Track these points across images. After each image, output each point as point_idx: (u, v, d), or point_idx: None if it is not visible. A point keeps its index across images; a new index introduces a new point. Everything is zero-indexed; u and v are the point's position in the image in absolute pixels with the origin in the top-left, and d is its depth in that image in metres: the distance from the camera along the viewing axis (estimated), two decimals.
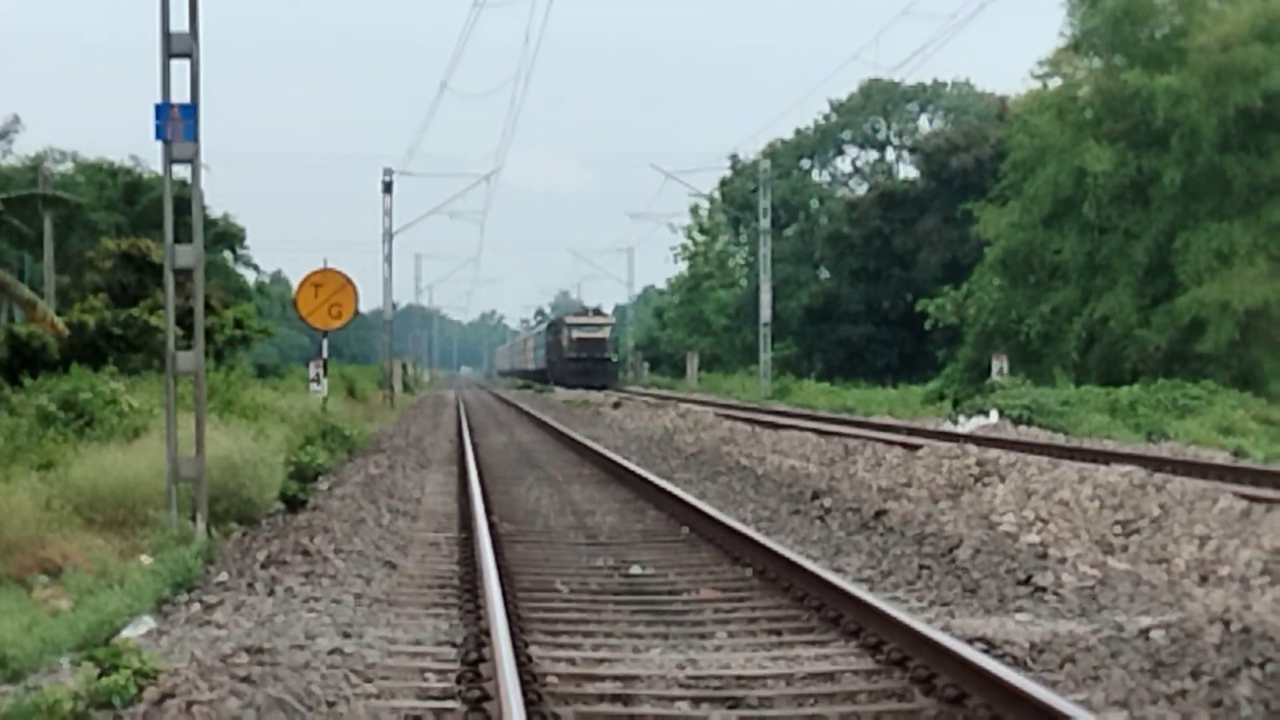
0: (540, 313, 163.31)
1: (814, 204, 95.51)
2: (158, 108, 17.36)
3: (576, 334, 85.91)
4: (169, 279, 18.42)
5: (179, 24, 17.59)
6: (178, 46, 17.55)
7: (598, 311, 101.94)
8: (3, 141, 51.41)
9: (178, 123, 17.51)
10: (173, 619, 12.84)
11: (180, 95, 17.44)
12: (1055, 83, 58.99)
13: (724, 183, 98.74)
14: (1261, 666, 9.53)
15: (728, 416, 44.24)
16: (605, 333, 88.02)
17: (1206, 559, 15.10)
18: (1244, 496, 17.62)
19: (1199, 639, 10.54)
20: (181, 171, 18.77)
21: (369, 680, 10.10)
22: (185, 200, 19.67)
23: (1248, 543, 15.14)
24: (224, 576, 15.10)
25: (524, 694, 8.90)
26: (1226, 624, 10.75)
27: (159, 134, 17.43)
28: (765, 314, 72.17)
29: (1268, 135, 51.36)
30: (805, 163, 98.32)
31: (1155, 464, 23.22)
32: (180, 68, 17.47)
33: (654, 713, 9.59)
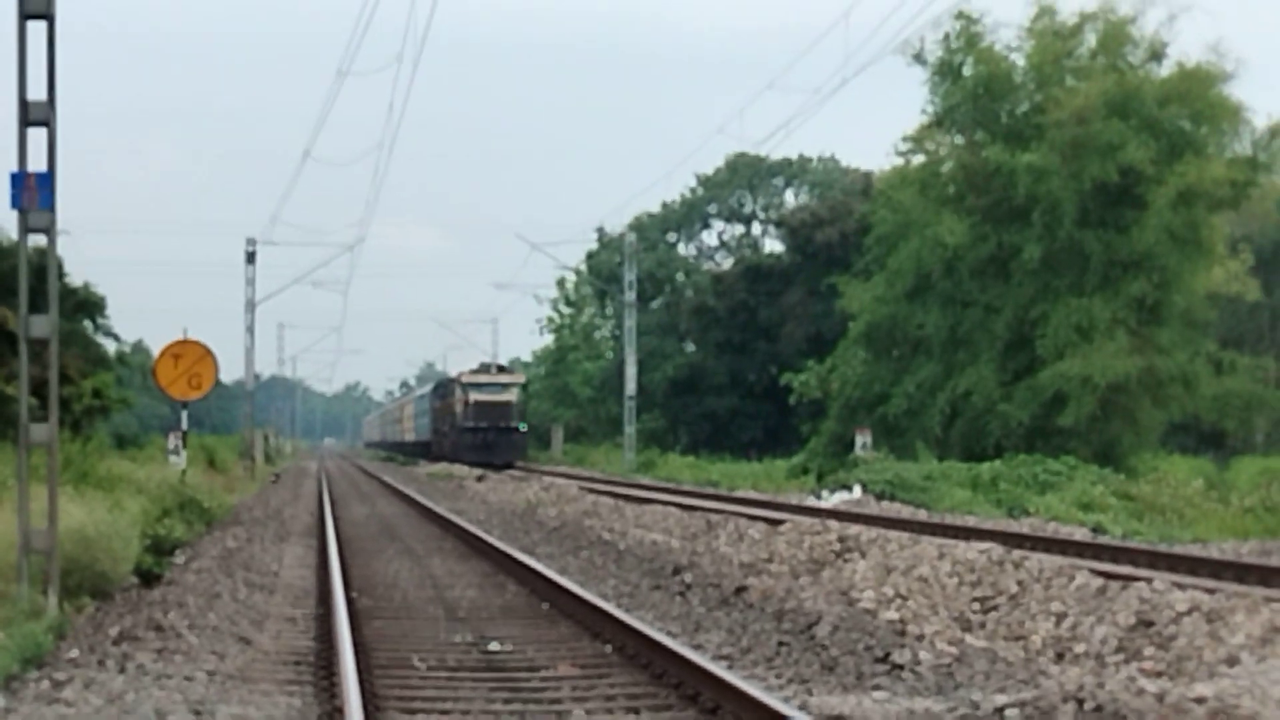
0: (405, 384, 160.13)
1: (680, 277, 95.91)
2: (13, 176, 17.08)
3: (476, 397, 69.34)
4: (23, 349, 18.04)
5: (36, 92, 17.34)
6: (35, 114, 17.29)
7: (502, 369, 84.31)
8: None
9: (34, 192, 17.17)
10: (21, 696, 12.49)
11: (37, 163, 17.16)
12: (919, 158, 59.04)
13: (590, 255, 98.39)
14: None
15: (592, 490, 44.11)
16: (513, 394, 71.38)
17: (1063, 636, 15.32)
18: (1100, 573, 17.82)
19: (1053, 718, 10.66)
20: (38, 240, 18.56)
21: None
22: (42, 269, 19.29)
23: (1103, 619, 15.32)
24: (75, 653, 14.70)
25: None
26: (1080, 702, 10.81)
27: (15, 203, 17.11)
28: (630, 387, 73.33)
29: (1124, 210, 51.94)
30: (671, 236, 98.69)
31: (1015, 540, 23.61)
32: (37, 135, 17.23)
33: None
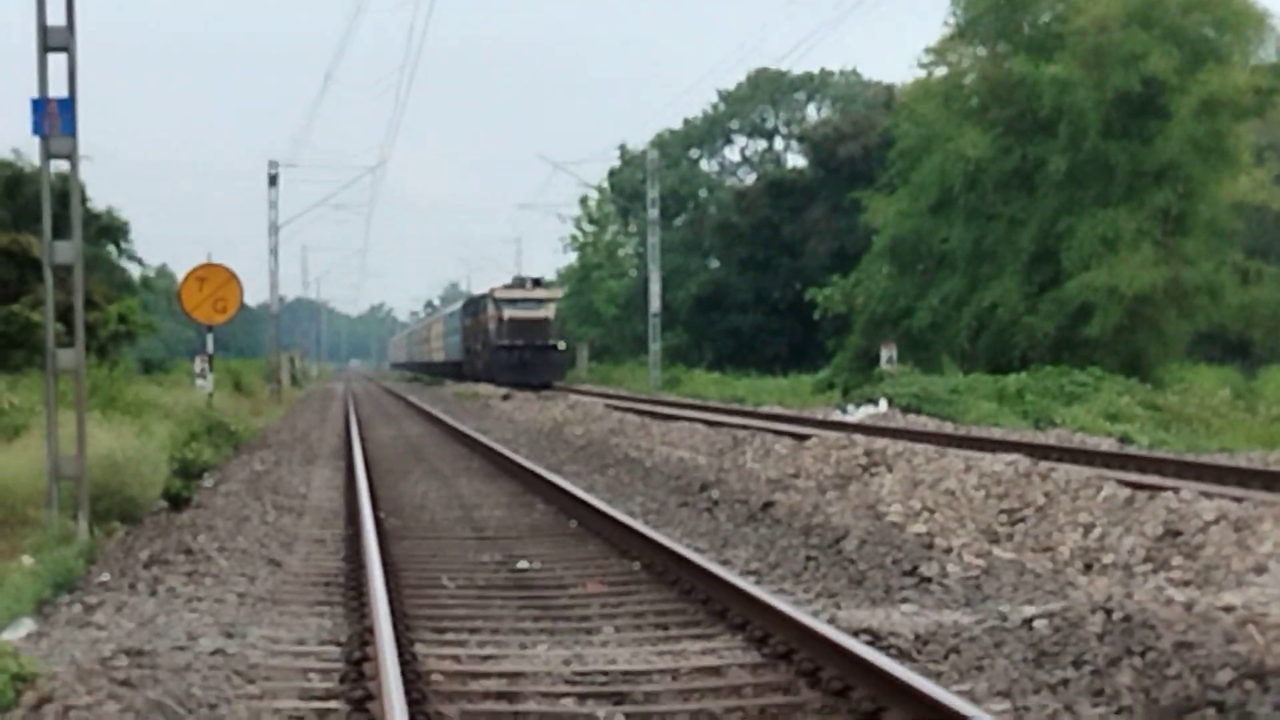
0: (430, 304, 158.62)
1: (703, 194, 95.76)
2: (34, 102, 17.30)
3: (510, 314, 62.64)
4: (48, 275, 18.37)
5: (56, 18, 17.49)
6: (54, 40, 17.43)
7: (538, 283, 75.05)
8: None
9: (55, 117, 17.43)
10: (53, 620, 12.74)
11: (58, 90, 17.37)
12: (941, 71, 59.52)
13: (613, 173, 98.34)
14: (1142, 655, 9.69)
15: (617, 408, 44.24)
16: (549, 311, 64.47)
17: (1090, 547, 15.42)
18: (1128, 484, 17.88)
19: (1081, 628, 10.65)
20: (61, 166, 18.83)
21: (251, 681, 9.98)
22: (65, 195, 19.36)
23: (1131, 530, 15.45)
24: (105, 577, 14.99)
25: (407, 693, 8.83)
26: (1109, 613, 10.81)
27: (36, 129, 17.37)
28: (655, 304, 72.83)
29: (1148, 121, 51.82)
30: (694, 152, 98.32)
31: (1041, 452, 23.58)
32: (58, 62, 17.38)
33: (539, 710, 9.52)
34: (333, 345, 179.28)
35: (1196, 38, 52.09)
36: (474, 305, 78.02)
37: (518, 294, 66.24)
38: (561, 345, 67.84)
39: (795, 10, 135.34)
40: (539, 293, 66.61)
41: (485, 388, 65.36)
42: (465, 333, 79.71)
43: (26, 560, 15.57)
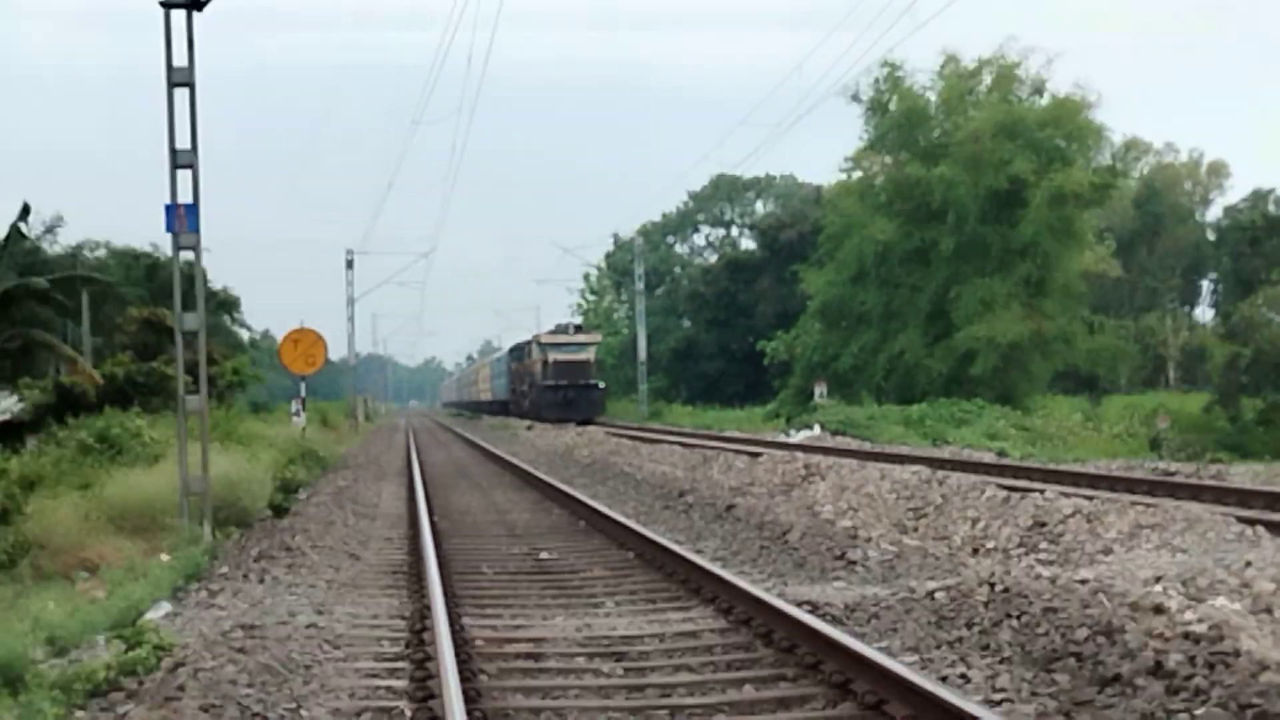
0: (470, 357, 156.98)
1: (677, 270, 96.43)
2: (167, 208, 17.66)
3: (555, 357, 56.16)
4: (179, 339, 18.77)
5: (183, 142, 17.82)
6: (182, 160, 17.80)
7: (579, 328, 69.38)
8: (49, 235, 51.76)
9: (183, 219, 17.84)
10: (185, 603, 12.85)
11: (185, 197, 17.78)
12: (857, 174, 60.56)
13: (608, 255, 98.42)
14: (1018, 618, 9.79)
15: (614, 435, 44.10)
16: (590, 354, 57.92)
17: (977, 535, 15.47)
18: (1004, 487, 18.03)
19: (971, 598, 10.78)
20: (188, 255, 19.09)
21: (337, 648, 10.14)
22: (191, 278, 19.87)
23: (1008, 522, 15.59)
24: (225, 569, 15.18)
25: (457, 654, 8.91)
26: (992, 586, 10.96)
27: (168, 227, 17.76)
28: (641, 355, 72.78)
29: (1013, 210, 53.34)
30: (670, 239, 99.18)
31: (938, 464, 23.70)
32: (185, 175, 17.78)
33: (559, 666, 9.58)
34: (396, 389, 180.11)
35: (1049, 146, 53.28)
36: (519, 351, 70.70)
37: (561, 339, 59.47)
38: (601, 384, 60.51)
39: (746, 128, 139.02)
40: (580, 337, 59.81)
41: (514, 421, 64.41)
42: (511, 375, 72.82)
43: (164, 557, 15.74)
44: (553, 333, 63.05)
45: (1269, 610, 9.52)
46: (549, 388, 56.41)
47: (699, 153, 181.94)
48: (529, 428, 56.80)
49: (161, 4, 18.21)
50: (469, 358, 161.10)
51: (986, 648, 9.39)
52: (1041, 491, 17.42)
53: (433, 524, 17.75)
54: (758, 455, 27.25)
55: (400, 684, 9.07)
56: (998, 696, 8.25)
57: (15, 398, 36.14)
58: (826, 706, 8.26)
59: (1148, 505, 15.56)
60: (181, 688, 8.43)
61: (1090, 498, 16.50)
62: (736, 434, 43.99)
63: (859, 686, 8.20)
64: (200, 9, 18.05)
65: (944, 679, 8.57)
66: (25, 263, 41.15)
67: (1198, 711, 7.39)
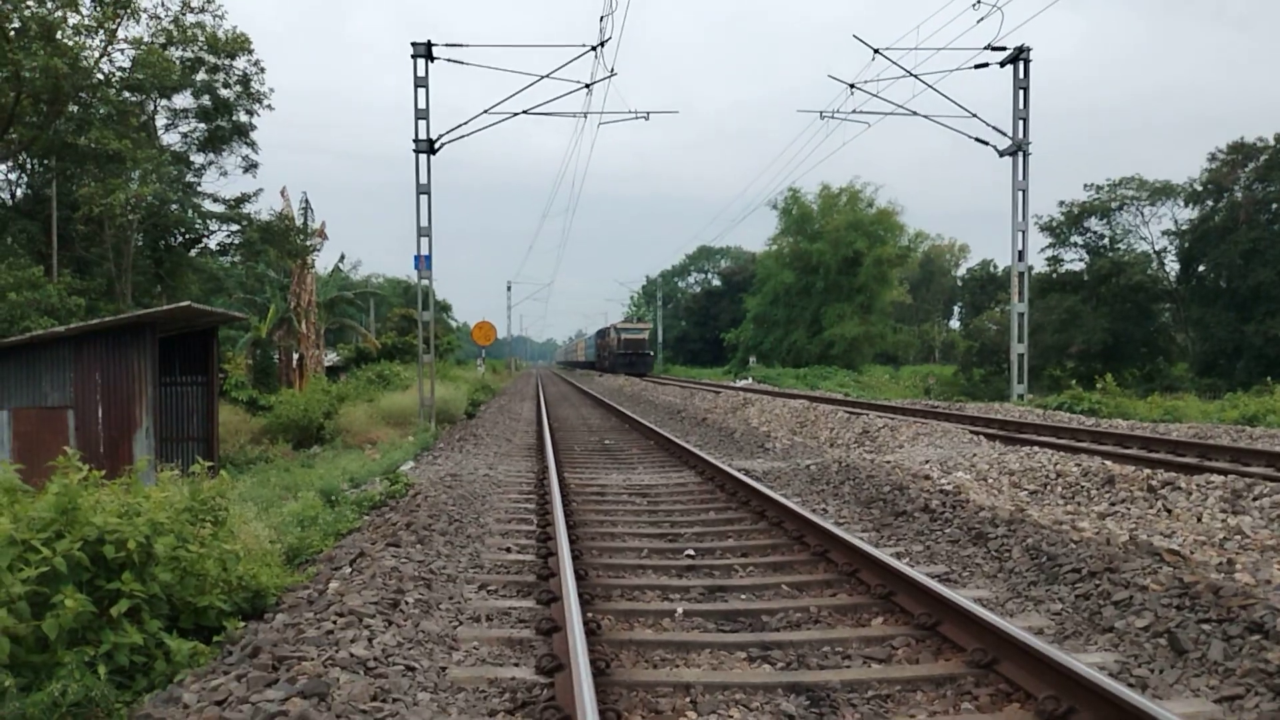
0: (568, 339, 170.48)
1: (679, 296, 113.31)
2: (415, 257, 21.43)
3: (625, 336, 65.62)
4: (420, 326, 22.67)
5: (424, 221, 21.45)
6: (423, 231, 21.58)
7: (640, 319, 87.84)
8: (353, 269, 69.92)
9: (423, 262, 21.65)
10: (421, 460, 14.65)
11: (425, 249, 21.89)
12: (774, 247, 71.71)
13: (643, 287, 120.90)
14: (853, 480, 11.28)
15: (642, 381, 49.24)
16: (645, 334, 66.62)
17: (833, 437, 17.05)
18: (847, 411, 19.79)
19: (830, 469, 12.34)
20: (425, 282, 22.40)
21: (499, 487, 11.64)
22: (426, 293, 22.44)
23: (849, 430, 17.19)
24: (441, 445, 17.34)
25: (559, 484, 10.72)
26: (840, 463, 12.54)
27: (416, 266, 21.56)
28: (659, 338, 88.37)
29: (855, 268, 63.78)
30: (676, 280, 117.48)
31: (813, 399, 25.80)
32: (425, 240, 21.79)
33: (613, 496, 11.06)
34: (530, 355, 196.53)
35: (875, 234, 64.04)
36: (602, 333, 79.65)
37: (628, 325, 68.59)
38: (651, 353, 68.22)
39: (716, 222, 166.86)
40: (639, 324, 68.73)
41: (594, 374, 74.12)
42: (597, 347, 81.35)
43: (410, 439, 18.02)
44: (624, 322, 73.60)
45: (984, 479, 10.63)
46: (621, 354, 64.21)
47: (690, 235, 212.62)
48: (601, 376, 65.73)
49: (415, 151, 21.01)
50: (567, 339, 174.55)
51: (836, 495, 10.76)
52: (867, 414, 19.11)
53: (551, 428, 19.47)
54: (719, 393, 30.13)
55: (531, 504, 10.39)
56: (841, 520, 9.36)
57: (334, 354, 47.53)
58: (752, 521, 9.28)
59: (923, 423, 16.90)
60: (418, 505, 9.74)
61: (892, 418, 18.03)
62: (708, 382, 47.21)
63: (769, 513, 9.30)
64: (435, 153, 21.08)
65: (813, 509, 9.79)
66: (341, 283, 49.04)
67: (947, 530, 8.48)
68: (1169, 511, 8.86)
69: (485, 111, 21.99)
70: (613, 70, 20.09)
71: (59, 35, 23.37)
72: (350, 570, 6.91)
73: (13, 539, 4.94)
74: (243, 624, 5.64)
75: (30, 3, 22.82)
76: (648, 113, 23.78)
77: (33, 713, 4.36)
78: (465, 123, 21.74)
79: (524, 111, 22.25)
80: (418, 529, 8.50)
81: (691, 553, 8.22)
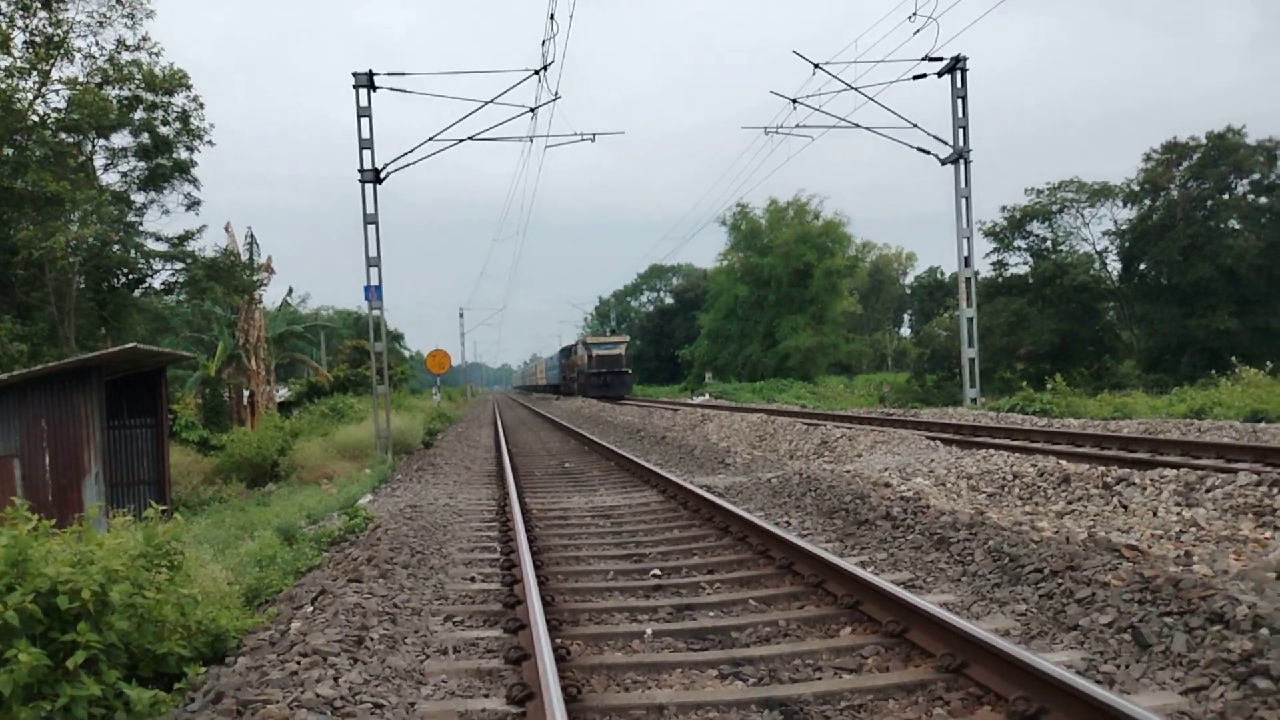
0: (523, 362, 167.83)
1: (632, 315, 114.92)
2: (365, 288, 21.19)
3: (597, 352, 55.32)
4: (373, 357, 22.20)
5: (373, 251, 21.28)
6: (371, 261, 21.26)
7: (614, 331, 79.07)
8: (302, 303, 69.58)
9: (374, 293, 21.34)
10: (379, 492, 14.41)
11: (375, 280, 21.64)
12: (725, 263, 71.88)
13: (596, 307, 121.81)
14: (815, 491, 11.30)
15: (599, 402, 48.59)
16: (621, 350, 56.67)
17: (793, 449, 17.08)
18: (805, 423, 19.74)
19: (791, 482, 12.34)
20: (376, 313, 22.12)
21: (461, 516, 11.54)
22: (379, 324, 22.11)
23: (808, 441, 17.26)
24: (399, 476, 17.05)
25: (522, 513, 10.60)
26: (802, 475, 12.49)
27: (366, 296, 21.24)
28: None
29: (806, 280, 64.31)
30: (629, 299, 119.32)
31: (771, 412, 25.87)
32: (375, 271, 21.54)
33: (576, 519, 11.03)
34: (485, 380, 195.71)
35: (823, 246, 64.72)
36: (568, 350, 68.90)
37: (601, 339, 58.37)
38: (629, 370, 58.00)
39: (667, 239, 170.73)
40: (614, 339, 58.46)
41: (550, 396, 72.90)
42: (562, 367, 70.57)
43: (367, 471, 17.85)
44: (595, 334, 65.63)
45: (943, 484, 10.75)
46: (593, 374, 54.52)
47: (642, 254, 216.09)
48: (557, 398, 64.61)
49: (361, 181, 20.86)
50: (522, 363, 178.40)
51: (799, 507, 10.79)
52: (824, 425, 19.05)
53: (510, 455, 19.41)
54: (677, 410, 30.47)
55: (494, 532, 10.33)
56: (805, 532, 9.40)
57: (285, 389, 47.30)
58: (716, 537, 9.38)
59: (880, 431, 16.95)
60: (378, 539, 9.66)
61: (850, 428, 18.02)
62: (665, 400, 47.39)
63: (733, 528, 9.36)
64: (381, 183, 20.76)
65: (776, 523, 9.79)
66: (290, 317, 49.34)
67: (910, 536, 8.50)
68: (1125, 507, 8.97)
69: (431, 139, 21.91)
70: (556, 94, 20.11)
71: None
72: (312, 609, 6.83)
73: None
74: (204, 669, 5.56)
75: None
76: (593, 134, 23.80)
77: None
78: (410, 150, 21.64)
79: (470, 138, 22.21)
80: (379, 563, 8.42)
81: (658, 572, 8.19)
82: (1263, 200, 52.99)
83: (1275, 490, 8.59)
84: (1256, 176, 51.30)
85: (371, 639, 6.10)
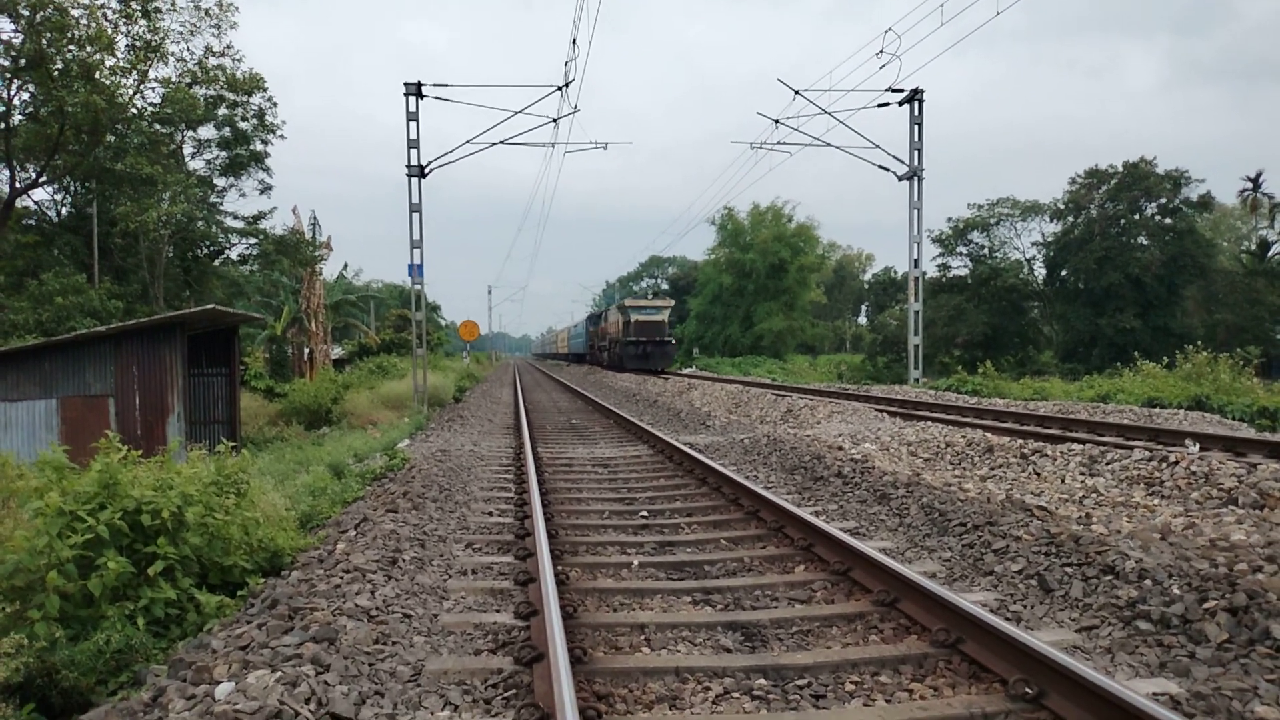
0: (541, 334, 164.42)
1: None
2: (409, 266, 20.65)
3: (637, 318, 41.58)
4: (414, 325, 22.02)
5: (416, 235, 20.79)
6: (415, 244, 20.90)
7: (657, 294, 63.99)
8: (356, 275, 65.34)
9: (416, 271, 20.97)
10: (415, 439, 14.28)
11: (418, 260, 21.17)
12: (713, 256, 69.71)
13: (604, 290, 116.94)
14: (780, 450, 11.24)
15: (603, 371, 48.11)
16: (665, 316, 42.46)
17: (764, 415, 17.00)
18: (775, 394, 19.85)
19: (760, 442, 12.25)
20: (418, 287, 21.72)
21: (483, 459, 11.52)
22: (419, 296, 21.93)
23: (775, 409, 17.21)
24: (432, 425, 16.86)
25: (534, 458, 10.61)
26: (769, 438, 12.48)
27: (409, 273, 20.70)
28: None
29: (781, 273, 62.32)
30: (631, 284, 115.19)
31: (746, 384, 25.79)
32: (418, 253, 21.19)
33: (579, 467, 10.93)
34: (508, 347, 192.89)
35: (796, 245, 63.01)
36: (598, 317, 55.75)
37: (642, 303, 43.72)
38: (673, 340, 44.11)
39: (664, 235, 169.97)
40: (657, 302, 43.87)
41: (563, 364, 71.81)
42: (590, 335, 57.91)
43: (405, 420, 17.68)
44: (635, 298, 51.11)
45: (887, 449, 10.70)
46: (631, 343, 41.38)
47: (643, 246, 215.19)
48: (568, 365, 63.74)
49: (408, 175, 20.48)
50: (540, 334, 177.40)
51: (766, 464, 10.70)
52: (790, 396, 19.13)
53: (526, 409, 19.32)
54: (667, 379, 30.47)
55: (509, 475, 10.27)
56: (770, 485, 9.26)
57: (340, 348, 46.61)
58: (695, 486, 9.24)
59: (837, 403, 17.06)
60: (413, 477, 9.62)
61: (811, 399, 18.15)
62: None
63: (710, 479, 9.26)
64: (425, 177, 20.49)
65: (746, 476, 9.76)
66: (345, 288, 48.47)
67: (857, 492, 8.49)
68: (1038, 474, 9.01)
69: (468, 141, 21.78)
70: (576, 107, 19.96)
71: (98, 75, 22.78)
72: (355, 533, 6.84)
73: (61, 510, 4.85)
74: (263, 580, 5.60)
75: (72, 46, 22.21)
76: (606, 143, 23.64)
77: (81, 659, 4.26)
78: (450, 151, 21.49)
79: (501, 142, 22.04)
80: (413, 497, 8.39)
81: (645, 514, 8.17)
82: (1167, 221, 53.03)
83: (1164, 465, 8.64)
84: (1163, 200, 51.40)
85: (404, 560, 6.11)
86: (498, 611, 5.24)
